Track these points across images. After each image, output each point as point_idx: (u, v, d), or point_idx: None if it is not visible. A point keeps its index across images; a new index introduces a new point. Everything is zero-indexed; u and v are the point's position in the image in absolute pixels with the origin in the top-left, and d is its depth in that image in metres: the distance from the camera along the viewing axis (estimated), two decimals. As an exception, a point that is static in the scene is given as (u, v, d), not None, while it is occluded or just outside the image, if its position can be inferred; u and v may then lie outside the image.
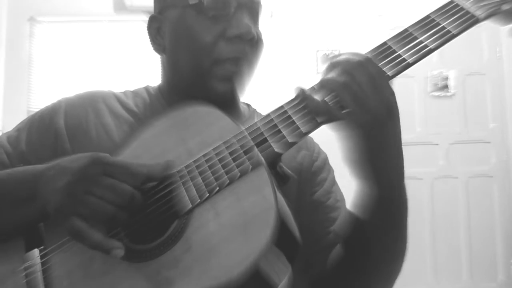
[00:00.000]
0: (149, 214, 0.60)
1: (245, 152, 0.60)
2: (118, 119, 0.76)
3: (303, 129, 0.61)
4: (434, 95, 3.31)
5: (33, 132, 0.76)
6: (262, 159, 0.59)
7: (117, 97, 0.80)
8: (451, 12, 0.65)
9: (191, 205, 0.59)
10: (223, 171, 0.60)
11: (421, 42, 0.63)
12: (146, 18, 0.80)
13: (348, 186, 0.83)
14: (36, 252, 0.60)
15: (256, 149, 0.60)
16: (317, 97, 0.61)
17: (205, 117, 0.66)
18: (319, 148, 0.85)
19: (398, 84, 0.61)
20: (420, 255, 3.12)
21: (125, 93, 0.82)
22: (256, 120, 0.63)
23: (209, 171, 0.60)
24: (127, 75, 3.20)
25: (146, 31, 0.80)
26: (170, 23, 0.76)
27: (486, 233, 3.20)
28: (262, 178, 0.58)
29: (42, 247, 0.61)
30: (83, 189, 0.55)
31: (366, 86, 0.58)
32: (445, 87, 3.30)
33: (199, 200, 0.58)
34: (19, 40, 3.31)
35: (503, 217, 3.22)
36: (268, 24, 0.78)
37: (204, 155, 0.62)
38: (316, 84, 0.62)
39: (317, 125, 0.61)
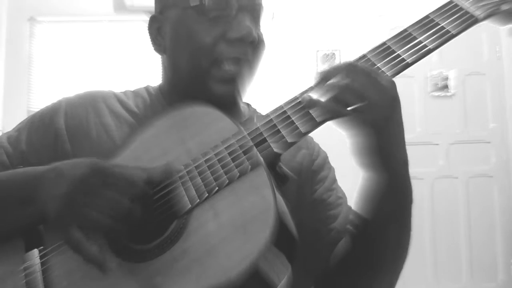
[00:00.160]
0: (148, 214, 0.60)
1: (244, 152, 0.60)
2: (118, 119, 0.76)
3: (302, 129, 0.61)
4: (434, 95, 3.30)
5: (33, 132, 0.76)
6: (261, 159, 0.60)
7: (117, 97, 0.80)
8: (450, 12, 0.65)
9: (190, 205, 0.59)
10: (222, 171, 0.60)
11: (420, 42, 0.63)
12: (146, 18, 0.80)
13: (348, 186, 0.83)
14: (35, 252, 0.60)
15: (255, 149, 0.61)
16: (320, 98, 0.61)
17: (204, 118, 0.66)
18: (319, 147, 0.85)
19: (398, 84, 0.61)
20: (420, 255, 3.11)
21: (125, 93, 0.82)
22: (255, 120, 0.63)
23: (208, 171, 0.60)
24: (127, 75, 3.20)
25: (147, 31, 0.80)
26: (171, 23, 0.75)
27: (486, 233, 3.19)
28: (262, 178, 0.58)
29: (42, 247, 0.61)
30: (82, 201, 0.56)
31: (366, 80, 0.59)
32: (445, 87, 3.30)
33: (198, 200, 0.59)
34: (19, 40, 3.30)
35: (503, 217, 3.21)
36: (268, 24, 0.78)
37: (203, 155, 0.62)
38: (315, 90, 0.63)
39: (316, 125, 0.61)
